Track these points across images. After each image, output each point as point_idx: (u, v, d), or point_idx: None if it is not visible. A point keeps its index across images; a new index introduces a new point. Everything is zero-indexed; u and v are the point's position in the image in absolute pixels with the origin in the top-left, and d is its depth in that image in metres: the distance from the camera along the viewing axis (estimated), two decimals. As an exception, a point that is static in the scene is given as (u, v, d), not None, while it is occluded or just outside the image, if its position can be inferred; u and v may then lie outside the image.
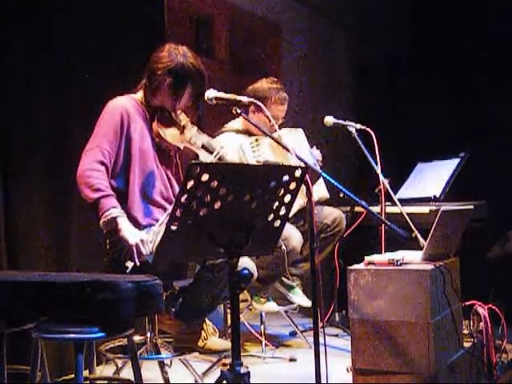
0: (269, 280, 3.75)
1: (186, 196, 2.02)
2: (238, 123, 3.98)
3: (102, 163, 2.82)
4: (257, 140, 3.82)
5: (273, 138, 2.93)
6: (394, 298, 2.69)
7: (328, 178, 2.79)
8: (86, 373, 2.56)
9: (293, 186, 2.22)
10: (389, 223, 3.00)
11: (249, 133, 3.94)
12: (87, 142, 2.90)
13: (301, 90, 5.93)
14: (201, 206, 2.05)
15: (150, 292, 2.31)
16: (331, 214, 4.00)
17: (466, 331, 3.06)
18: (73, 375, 2.25)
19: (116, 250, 2.86)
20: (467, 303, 3.08)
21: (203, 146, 3.02)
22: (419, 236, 3.03)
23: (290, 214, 2.38)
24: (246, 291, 3.76)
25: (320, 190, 3.94)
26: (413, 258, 2.84)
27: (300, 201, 3.57)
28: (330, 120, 3.73)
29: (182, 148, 3.04)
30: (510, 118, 5.51)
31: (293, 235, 3.66)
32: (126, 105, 2.97)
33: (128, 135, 2.94)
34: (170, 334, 3.28)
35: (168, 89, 3.01)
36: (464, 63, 5.89)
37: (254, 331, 3.94)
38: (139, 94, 3.08)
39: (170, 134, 3.02)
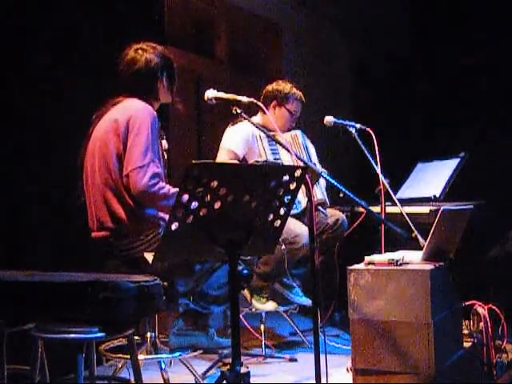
0: (269, 277, 3.75)
1: (185, 196, 2.02)
2: (257, 119, 3.94)
3: (159, 176, 2.82)
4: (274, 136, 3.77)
5: (273, 138, 2.93)
6: (393, 298, 2.69)
7: (328, 178, 2.79)
8: (85, 373, 2.56)
9: (293, 186, 2.23)
10: (389, 223, 2.99)
11: (266, 129, 3.89)
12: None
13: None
14: (201, 205, 2.06)
15: (150, 292, 2.31)
16: (333, 216, 3.99)
17: (465, 331, 3.06)
18: (73, 375, 2.25)
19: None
20: (467, 303, 3.08)
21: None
22: (419, 236, 3.03)
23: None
24: (246, 290, 3.76)
25: (314, 194, 3.92)
26: (413, 258, 2.84)
27: None
28: (329, 120, 3.72)
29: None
30: (510, 118, 5.51)
31: (304, 233, 3.64)
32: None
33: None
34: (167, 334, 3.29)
35: (166, 84, 3.04)
36: (464, 62, 5.89)
37: (254, 331, 3.93)
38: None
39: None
